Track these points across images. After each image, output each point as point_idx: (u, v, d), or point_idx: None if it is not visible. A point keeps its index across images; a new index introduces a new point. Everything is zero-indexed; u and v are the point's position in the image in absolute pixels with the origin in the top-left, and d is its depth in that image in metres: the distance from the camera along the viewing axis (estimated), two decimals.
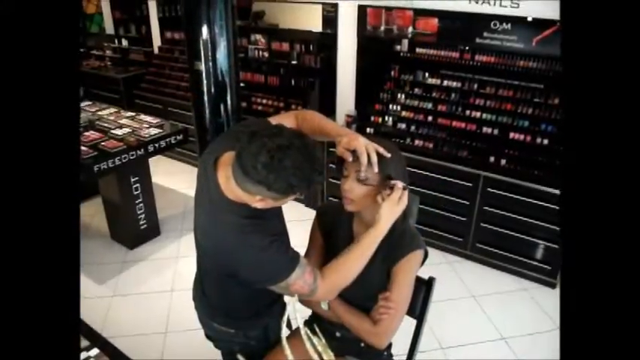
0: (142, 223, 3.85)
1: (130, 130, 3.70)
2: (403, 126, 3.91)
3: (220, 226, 1.40)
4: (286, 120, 1.57)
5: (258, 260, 1.35)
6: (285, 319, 1.67)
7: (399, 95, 3.98)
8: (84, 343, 1.69)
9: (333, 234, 1.66)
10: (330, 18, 4.20)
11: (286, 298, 1.72)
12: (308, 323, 1.76)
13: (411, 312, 1.68)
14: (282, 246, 1.38)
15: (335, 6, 4.14)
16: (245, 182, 1.24)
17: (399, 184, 1.41)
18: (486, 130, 3.59)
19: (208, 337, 1.77)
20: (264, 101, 4.79)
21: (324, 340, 1.29)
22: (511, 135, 3.50)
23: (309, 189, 1.27)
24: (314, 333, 1.53)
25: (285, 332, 1.66)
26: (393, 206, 1.41)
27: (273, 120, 1.54)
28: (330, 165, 4.11)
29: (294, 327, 1.82)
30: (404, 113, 3.92)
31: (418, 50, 3.82)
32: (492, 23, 3.38)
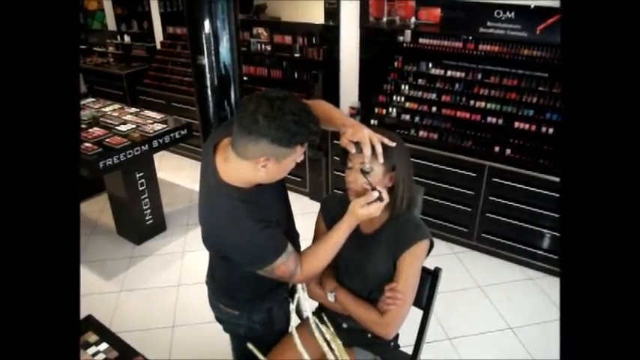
0: (147, 218, 3.87)
1: (134, 126, 3.71)
2: (407, 117, 3.90)
3: (215, 209, 1.44)
4: None
5: (247, 244, 1.40)
6: (293, 307, 1.70)
7: (402, 86, 3.96)
8: (93, 337, 1.70)
9: None
10: (333, 10, 4.18)
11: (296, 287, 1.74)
12: (315, 314, 1.76)
13: (417, 302, 1.69)
14: (272, 232, 1.42)
15: None
16: (246, 145, 1.29)
17: (375, 193, 1.41)
18: (491, 119, 3.57)
19: (218, 319, 1.80)
20: (267, 90, 4.77)
21: (332, 329, 1.30)
22: (516, 124, 3.48)
23: (309, 138, 1.32)
24: (322, 322, 1.54)
25: (294, 322, 1.68)
26: (357, 207, 1.43)
27: None
28: (335, 157, 4.11)
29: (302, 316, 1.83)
30: (408, 104, 3.91)
31: (421, 41, 3.79)
32: (495, 12, 3.35)
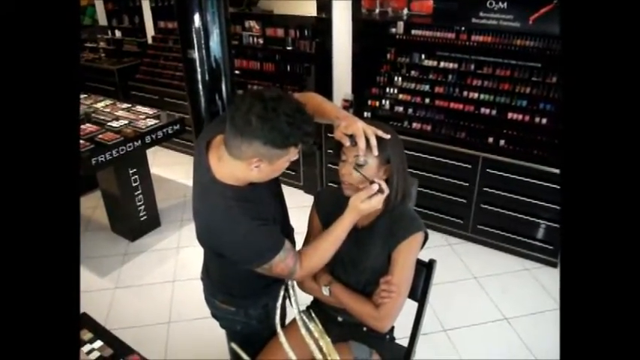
0: (141, 214, 3.85)
1: (127, 122, 3.68)
2: (401, 109, 3.89)
3: (209, 208, 1.43)
4: None
5: (243, 242, 1.39)
6: (278, 304, 1.69)
7: (395, 78, 3.95)
8: (87, 335, 1.69)
9: (332, 219, 1.65)
10: (325, 2, 4.15)
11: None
12: (307, 309, 1.76)
13: (412, 295, 1.68)
14: (268, 230, 1.41)
15: None
16: (239, 146, 1.28)
17: (375, 186, 1.40)
18: (484, 110, 3.57)
19: (214, 315, 1.79)
20: (260, 88, 4.75)
21: (320, 326, 1.29)
22: (509, 115, 3.48)
23: (303, 140, 1.30)
24: (310, 319, 1.53)
25: (279, 317, 1.68)
26: (357, 202, 1.41)
27: None
28: (329, 150, 4.10)
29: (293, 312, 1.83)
30: (401, 96, 3.90)
31: (414, 32, 3.78)
32: (488, 2, 3.34)
